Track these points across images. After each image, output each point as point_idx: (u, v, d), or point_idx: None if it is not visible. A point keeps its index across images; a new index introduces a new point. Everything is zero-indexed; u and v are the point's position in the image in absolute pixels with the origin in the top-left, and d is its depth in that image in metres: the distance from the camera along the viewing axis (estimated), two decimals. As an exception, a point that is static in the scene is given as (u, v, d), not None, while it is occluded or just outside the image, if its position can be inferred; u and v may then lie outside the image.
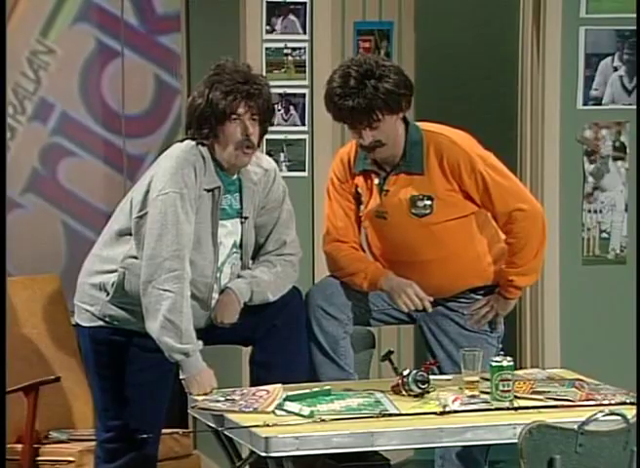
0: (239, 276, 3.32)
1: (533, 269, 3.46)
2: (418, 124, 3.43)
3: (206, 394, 3.17)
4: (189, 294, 3.17)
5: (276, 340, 3.29)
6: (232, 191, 3.26)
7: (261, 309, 3.30)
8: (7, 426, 3.87)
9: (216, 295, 3.29)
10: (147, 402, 3.26)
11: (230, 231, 3.26)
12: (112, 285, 3.21)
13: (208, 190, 3.19)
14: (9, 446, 3.92)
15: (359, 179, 3.47)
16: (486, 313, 3.46)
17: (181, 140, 3.27)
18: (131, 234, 3.22)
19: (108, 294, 3.23)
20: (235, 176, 3.26)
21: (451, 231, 3.39)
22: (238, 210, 3.28)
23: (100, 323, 3.26)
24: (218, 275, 3.26)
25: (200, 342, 3.20)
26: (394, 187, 3.39)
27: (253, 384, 3.31)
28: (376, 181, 3.42)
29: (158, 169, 3.24)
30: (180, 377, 3.20)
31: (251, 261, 3.37)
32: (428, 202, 3.37)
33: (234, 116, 3.15)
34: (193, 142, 3.23)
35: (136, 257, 3.20)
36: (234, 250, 3.27)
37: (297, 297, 3.37)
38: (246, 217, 3.27)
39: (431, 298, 3.44)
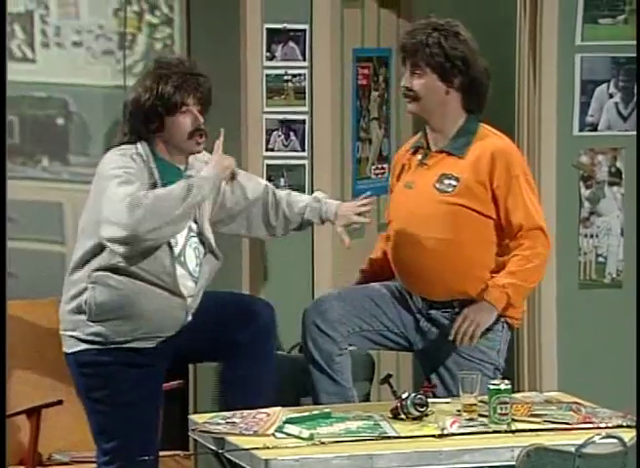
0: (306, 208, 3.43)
1: (527, 290, 3.43)
2: (483, 126, 3.46)
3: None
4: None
5: (244, 357, 3.29)
6: (175, 181, 3.26)
7: (223, 325, 3.31)
8: (9, 448, 3.88)
9: (188, 283, 3.28)
10: (139, 420, 3.26)
11: None
12: (86, 303, 3.25)
13: (149, 185, 3.23)
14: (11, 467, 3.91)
15: (405, 159, 3.56)
16: (467, 328, 3.39)
17: (117, 145, 3.34)
18: (95, 254, 3.25)
19: (86, 314, 3.27)
20: (183, 168, 3.32)
21: (466, 219, 3.38)
22: None
23: (85, 346, 3.28)
24: (182, 259, 3.28)
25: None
26: (432, 162, 3.45)
27: (224, 403, 3.30)
28: (419, 157, 3.49)
29: (98, 173, 3.29)
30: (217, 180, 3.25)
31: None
32: (454, 182, 3.38)
33: (184, 107, 3.27)
34: (128, 145, 3.30)
35: (101, 269, 3.24)
36: (191, 234, 3.30)
37: (265, 313, 3.36)
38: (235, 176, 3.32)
39: None
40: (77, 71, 4.49)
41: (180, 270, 3.28)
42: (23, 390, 3.99)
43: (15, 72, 4.47)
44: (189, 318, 3.33)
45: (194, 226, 3.32)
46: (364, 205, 3.43)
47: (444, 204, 3.39)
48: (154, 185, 3.25)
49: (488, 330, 3.43)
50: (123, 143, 3.31)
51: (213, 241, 3.37)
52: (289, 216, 3.46)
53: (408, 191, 3.46)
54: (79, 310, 3.28)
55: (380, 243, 3.65)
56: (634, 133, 4.46)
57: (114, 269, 3.23)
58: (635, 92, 4.45)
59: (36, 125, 4.52)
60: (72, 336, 3.31)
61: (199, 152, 3.34)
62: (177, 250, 3.28)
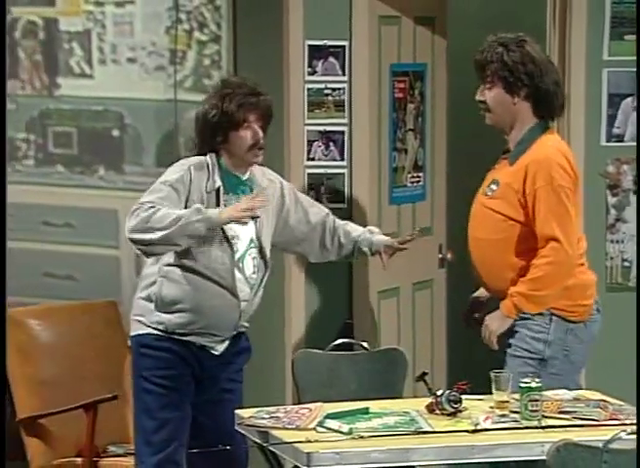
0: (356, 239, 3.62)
1: (539, 298, 3.43)
2: (551, 132, 3.53)
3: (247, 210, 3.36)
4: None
5: (214, 394, 3.47)
6: (243, 192, 3.48)
7: (203, 360, 3.45)
8: (69, 441, 3.93)
9: (245, 288, 3.45)
10: (176, 408, 3.41)
11: (245, 227, 3.46)
12: (154, 294, 3.45)
13: (209, 192, 3.44)
14: (70, 459, 3.96)
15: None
16: (484, 333, 3.48)
17: (190, 155, 3.55)
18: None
19: (154, 303, 3.45)
20: (246, 177, 3.51)
21: (495, 221, 3.46)
22: None
23: (148, 330, 3.47)
24: (240, 265, 3.45)
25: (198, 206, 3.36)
26: (497, 167, 3.57)
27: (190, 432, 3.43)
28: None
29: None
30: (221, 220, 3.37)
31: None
32: (495, 187, 3.50)
33: (245, 124, 3.43)
34: (197, 156, 3.50)
35: (170, 265, 3.44)
36: (252, 244, 3.48)
37: (247, 353, 3.55)
38: (257, 217, 3.47)
39: None
40: (132, 86, 4.54)
41: (237, 274, 3.46)
42: (80, 386, 4.04)
43: (74, 87, 4.52)
44: (242, 322, 3.49)
45: (255, 239, 3.49)
46: (408, 241, 3.59)
47: (483, 206, 3.52)
48: (217, 191, 3.45)
49: (532, 322, 3.47)
50: (195, 154, 3.52)
51: (269, 253, 3.53)
52: (343, 243, 3.64)
53: (478, 194, 3.61)
54: (149, 299, 3.48)
55: None
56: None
57: (180, 265, 3.42)
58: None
59: (93, 136, 4.57)
60: (139, 321, 3.50)
61: (257, 163, 3.53)
62: (237, 255, 3.46)
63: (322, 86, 4.49)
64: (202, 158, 3.49)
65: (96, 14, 4.55)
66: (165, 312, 3.44)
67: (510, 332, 3.50)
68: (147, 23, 4.56)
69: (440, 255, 4.78)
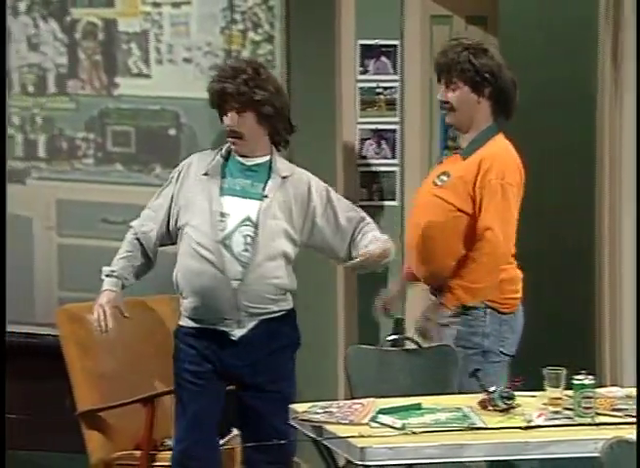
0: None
1: (477, 290, 3.49)
2: (500, 134, 3.61)
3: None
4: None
5: (253, 383, 3.44)
6: (247, 178, 3.43)
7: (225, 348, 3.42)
8: (127, 434, 3.93)
9: (234, 267, 3.37)
10: (194, 402, 3.42)
11: (242, 207, 3.40)
12: (174, 283, 3.49)
13: (204, 174, 3.44)
14: (128, 452, 3.96)
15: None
16: (421, 323, 3.54)
17: None
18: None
19: (179, 291, 3.49)
20: (251, 163, 3.43)
21: (442, 210, 3.53)
22: (258, 193, 3.42)
23: (185, 320, 3.50)
24: (227, 242, 3.38)
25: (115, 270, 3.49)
26: (447, 161, 3.71)
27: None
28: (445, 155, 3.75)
29: None
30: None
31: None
32: (445, 178, 3.57)
33: (224, 109, 3.41)
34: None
35: (181, 252, 3.47)
36: (247, 223, 3.39)
37: (282, 340, 3.48)
38: (265, 196, 3.41)
39: None
40: (187, 86, 4.53)
41: (225, 252, 3.38)
42: (139, 380, 4.04)
43: (131, 87, 4.53)
44: (245, 302, 3.39)
45: (253, 218, 3.40)
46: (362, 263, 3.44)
47: (431, 195, 3.59)
48: (224, 175, 3.43)
49: (469, 318, 3.54)
50: None
51: (273, 236, 3.41)
52: (358, 247, 3.50)
53: (423, 184, 3.74)
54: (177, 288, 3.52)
55: None
56: None
57: (183, 250, 3.45)
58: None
59: (150, 135, 4.58)
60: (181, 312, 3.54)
61: (236, 151, 3.44)
62: (224, 233, 3.39)
63: (374, 85, 4.46)
64: (214, 149, 3.52)
65: (153, 14, 4.56)
66: (183, 298, 3.47)
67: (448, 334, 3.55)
68: (203, 24, 4.56)
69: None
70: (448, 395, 3.43)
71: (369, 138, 4.49)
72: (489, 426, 3.00)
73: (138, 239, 3.52)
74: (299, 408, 3.21)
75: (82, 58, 4.60)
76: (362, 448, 2.88)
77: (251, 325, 3.40)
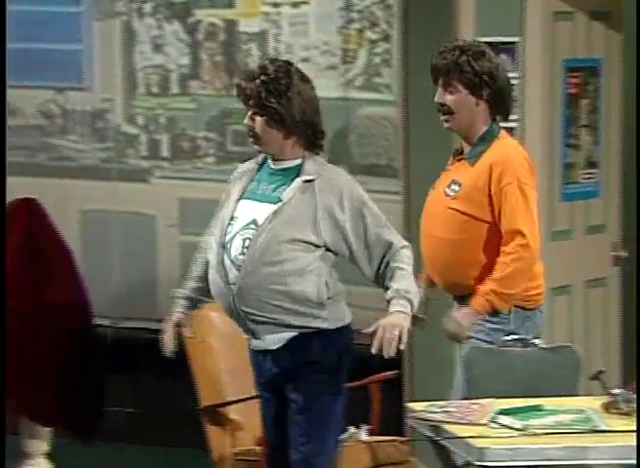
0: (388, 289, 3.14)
1: (510, 296, 3.39)
2: (503, 132, 3.50)
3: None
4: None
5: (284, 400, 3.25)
6: (270, 183, 3.19)
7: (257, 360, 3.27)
8: (248, 430, 3.90)
9: (232, 271, 3.14)
10: (262, 410, 3.34)
11: (252, 211, 3.17)
12: None
13: (237, 178, 3.27)
14: (249, 448, 3.94)
15: (449, 163, 3.59)
16: (453, 329, 3.45)
17: None
18: None
19: None
20: (277, 167, 3.20)
21: (460, 221, 3.43)
22: (275, 197, 3.17)
23: None
24: (228, 246, 3.16)
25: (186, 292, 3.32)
26: (453, 168, 3.54)
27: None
28: (449, 162, 3.55)
29: None
30: None
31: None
32: (457, 187, 3.45)
33: (247, 112, 3.25)
34: None
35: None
36: (252, 226, 3.15)
37: (301, 355, 3.18)
38: (280, 200, 3.14)
39: None
40: (305, 84, 4.50)
41: (225, 256, 3.16)
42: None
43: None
44: (245, 309, 3.14)
45: (259, 220, 3.14)
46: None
47: (444, 206, 3.47)
48: (252, 180, 3.23)
49: (492, 316, 3.43)
50: None
51: (280, 242, 3.12)
52: (385, 285, 3.18)
53: (432, 192, 3.56)
54: None
55: None
56: None
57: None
58: None
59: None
60: None
61: (260, 151, 3.25)
62: (228, 236, 3.18)
63: (494, 82, 4.35)
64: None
65: (272, 15, 4.56)
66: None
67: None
68: (320, 23, 4.54)
69: (613, 253, 4.58)
70: (569, 397, 3.32)
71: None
72: (614, 429, 2.88)
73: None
74: (416, 406, 3.15)
75: (204, 59, 4.62)
76: (481, 449, 2.81)
77: (269, 337, 3.16)
